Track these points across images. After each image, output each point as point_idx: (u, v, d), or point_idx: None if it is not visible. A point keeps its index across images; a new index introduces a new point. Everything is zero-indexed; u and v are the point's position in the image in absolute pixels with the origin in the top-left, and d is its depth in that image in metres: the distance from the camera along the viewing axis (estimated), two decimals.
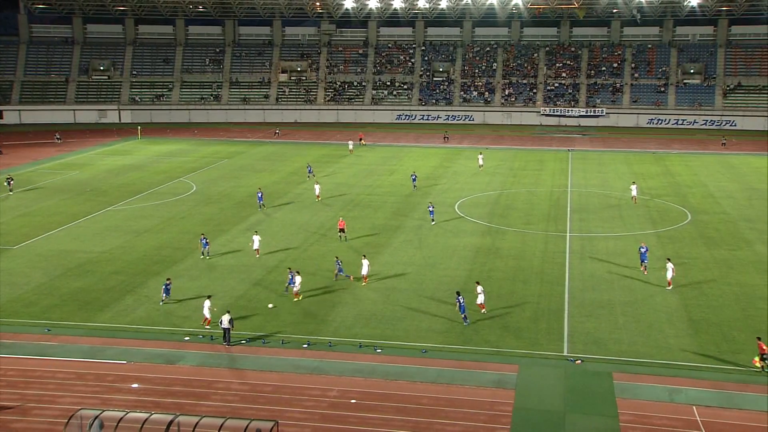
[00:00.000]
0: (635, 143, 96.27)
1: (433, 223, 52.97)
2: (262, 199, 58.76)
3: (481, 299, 36.73)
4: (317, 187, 61.50)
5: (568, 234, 51.36)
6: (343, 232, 49.39)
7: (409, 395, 28.95)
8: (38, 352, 32.79)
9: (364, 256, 42.31)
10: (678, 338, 33.97)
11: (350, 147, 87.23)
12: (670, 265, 40.73)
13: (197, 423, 23.98)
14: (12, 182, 64.68)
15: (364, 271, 40.97)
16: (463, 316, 35.37)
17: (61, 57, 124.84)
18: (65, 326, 35.56)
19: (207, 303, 35.52)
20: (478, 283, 37.99)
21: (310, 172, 71.88)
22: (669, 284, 40.37)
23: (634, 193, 60.37)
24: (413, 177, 66.60)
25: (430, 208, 54.03)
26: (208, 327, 35.07)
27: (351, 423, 27.09)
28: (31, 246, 48.76)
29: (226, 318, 33.29)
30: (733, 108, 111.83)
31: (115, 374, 30.70)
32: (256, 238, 46.12)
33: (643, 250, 43.13)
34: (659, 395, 28.93)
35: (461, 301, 35.36)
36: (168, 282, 38.56)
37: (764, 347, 30.73)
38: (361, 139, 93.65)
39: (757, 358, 30.87)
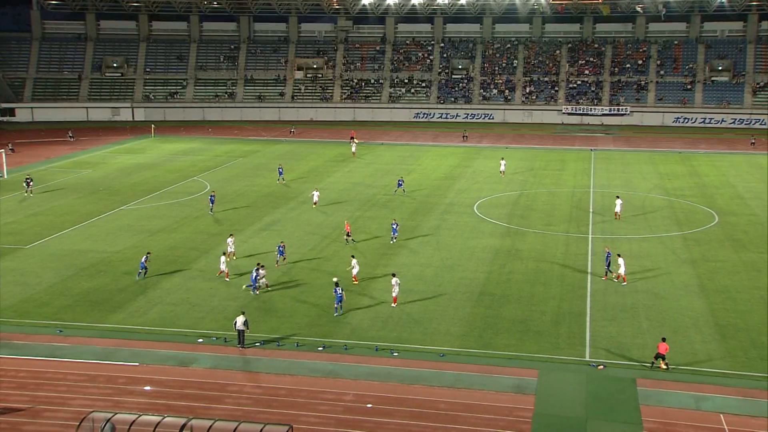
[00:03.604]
0: (660, 143, 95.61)
1: (393, 242, 49.24)
2: (213, 203, 57.32)
3: (395, 291, 37.69)
4: (316, 194, 59.43)
5: (590, 236, 51.11)
6: (349, 235, 49.31)
7: (426, 400, 28.92)
8: (50, 353, 33.07)
9: (353, 256, 42.92)
10: (704, 344, 33.70)
11: (353, 149, 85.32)
12: (621, 260, 41.33)
13: (210, 427, 24.08)
14: (31, 183, 65.03)
15: (355, 271, 41.59)
16: (336, 306, 36.89)
17: (74, 54, 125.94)
18: (77, 327, 35.84)
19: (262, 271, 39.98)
20: (393, 275, 38.61)
21: (280, 174, 70.20)
22: (623, 280, 41.10)
23: (618, 209, 55.31)
24: (399, 182, 65.04)
25: (394, 225, 50.17)
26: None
27: (367, 428, 27.09)
28: (44, 245, 49.21)
29: (240, 320, 33.43)
30: (762, 106, 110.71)
31: (128, 376, 30.90)
32: (230, 241, 45.41)
33: (609, 256, 42.51)
34: (685, 402, 28.71)
35: (338, 291, 36.87)
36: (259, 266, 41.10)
37: (662, 348, 31.15)
38: (352, 138, 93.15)
39: (661, 361, 31.27)
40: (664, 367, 31.19)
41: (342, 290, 37.44)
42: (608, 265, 42.10)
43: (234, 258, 45.33)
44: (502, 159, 74.85)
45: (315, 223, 54.31)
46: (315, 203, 59.21)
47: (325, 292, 39.89)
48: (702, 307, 38.13)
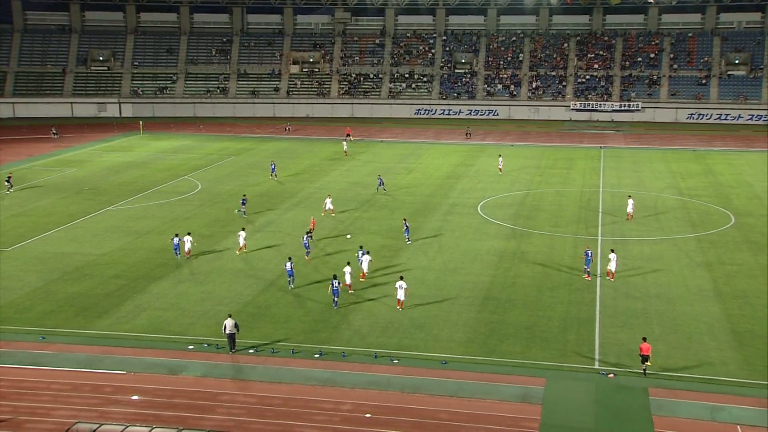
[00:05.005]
0: (673, 140, 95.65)
1: (409, 242, 49.70)
2: (245, 204, 57.21)
3: (400, 295, 37.96)
4: (328, 201, 57.53)
5: (599, 238, 51.13)
6: (310, 232, 49.30)
7: (428, 409, 28.92)
8: (32, 361, 33.04)
9: (368, 252, 43.62)
10: (720, 351, 33.69)
11: (345, 147, 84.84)
12: (613, 256, 42.32)
13: None
14: (11, 179, 65.19)
15: (364, 266, 42.29)
16: (334, 299, 38.10)
17: (58, 46, 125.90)
18: (61, 333, 35.84)
19: (348, 269, 40.45)
20: (401, 277, 39.07)
21: (273, 170, 70.81)
22: (611, 276, 42.23)
23: (630, 209, 55.39)
24: (380, 180, 65.14)
25: (405, 225, 50.54)
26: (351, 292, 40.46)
27: None
28: (26, 248, 49.22)
29: (229, 323, 33.44)
30: None
31: (114, 385, 30.88)
32: (241, 234, 48.06)
33: (589, 255, 42.96)
34: (700, 413, 28.70)
35: (335, 284, 37.95)
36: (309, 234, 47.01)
37: (645, 349, 31.19)
38: (348, 135, 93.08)
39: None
40: (643, 368, 31.31)
41: (339, 284, 38.30)
42: (588, 265, 42.81)
43: (245, 251, 47.57)
44: (500, 156, 75.09)
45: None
46: (331, 211, 57.12)
47: (323, 296, 39.91)
48: (718, 312, 38.12)
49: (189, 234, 47.74)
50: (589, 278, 42.66)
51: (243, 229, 49.02)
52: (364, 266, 42.49)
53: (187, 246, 46.92)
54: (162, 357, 33.38)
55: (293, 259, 42.62)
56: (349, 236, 51.09)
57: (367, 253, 43.46)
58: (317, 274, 43.64)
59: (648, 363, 31.28)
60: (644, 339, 31.95)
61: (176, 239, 46.93)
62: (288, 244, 49.31)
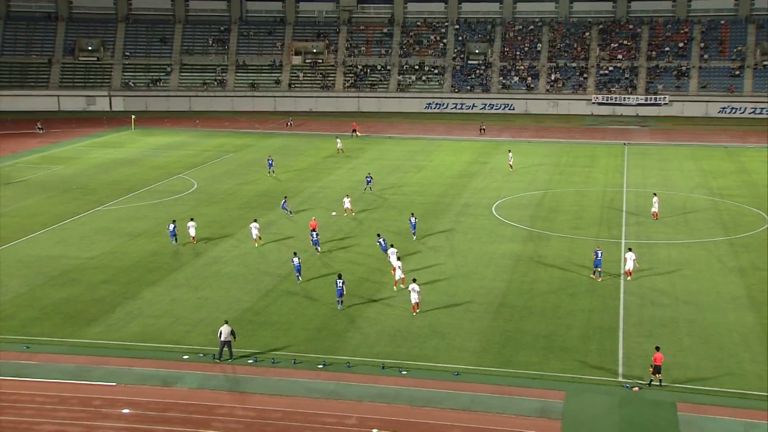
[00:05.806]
0: (704, 136, 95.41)
1: (415, 238, 50.52)
2: (285, 207, 57.40)
3: (413, 298, 38.38)
4: (347, 200, 57.51)
5: (623, 240, 51.02)
6: (315, 231, 49.24)
7: (439, 424, 28.88)
8: (15, 372, 33.07)
9: (392, 245, 44.74)
10: (755, 363, 33.53)
11: (339, 145, 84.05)
12: (630, 255, 43.27)
13: None
14: None
15: (394, 262, 42.75)
16: (339, 300, 39.28)
17: (44, 35, 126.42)
18: (47, 342, 35.91)
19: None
20: (414, 280, 39.53)
21: (270, 167, 71.88)
22: (629, 275, 43.09)
23: (655, 208, 55.78)
24: (368, 179, 64.88)
25: (412, 221, 51.26)
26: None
27: None
28: (9, 250, 49.38)
29: (225, 329, 33.49)
30: None
31: (104, 398, 30.91)
32: (254, 226, 49.72)
33: (598, 255, 43.53)
34: (732, 430, 28.57)
35: (339, 284, 39.10)
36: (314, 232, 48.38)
37: (658, 359, 31.16)
38: (354, 131, 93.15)
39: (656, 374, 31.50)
40: (657, 382, 31.27)
41: (343, 283, 39.21)
42: (597, 265, 43.39)
43: (260, 243, 49.59)
44: (510, 152, 75.23)
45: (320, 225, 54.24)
46: (351, 210, 57.28)
47: (328, 300, 39.94)
48: (752, 321, 37.95)
49: (192, 219, 50.82)
50: (593, 277, 43.45)
51: (255, 221, 50.34)
52: (393, 259, 43.09)
53: (192, 232, 49.65)
54: (155, 368, 33.41)
55: (299, 254, 43.84)
56: (334, 213, 56.62)
57: (392, 246, 44.61)
58: (318, 279, 43.63)
59: (658, 375, 31.24)
60: (657, 348, 31.84)
61: (172, 225, 49.47)
62: (291, 247, 49.27)
